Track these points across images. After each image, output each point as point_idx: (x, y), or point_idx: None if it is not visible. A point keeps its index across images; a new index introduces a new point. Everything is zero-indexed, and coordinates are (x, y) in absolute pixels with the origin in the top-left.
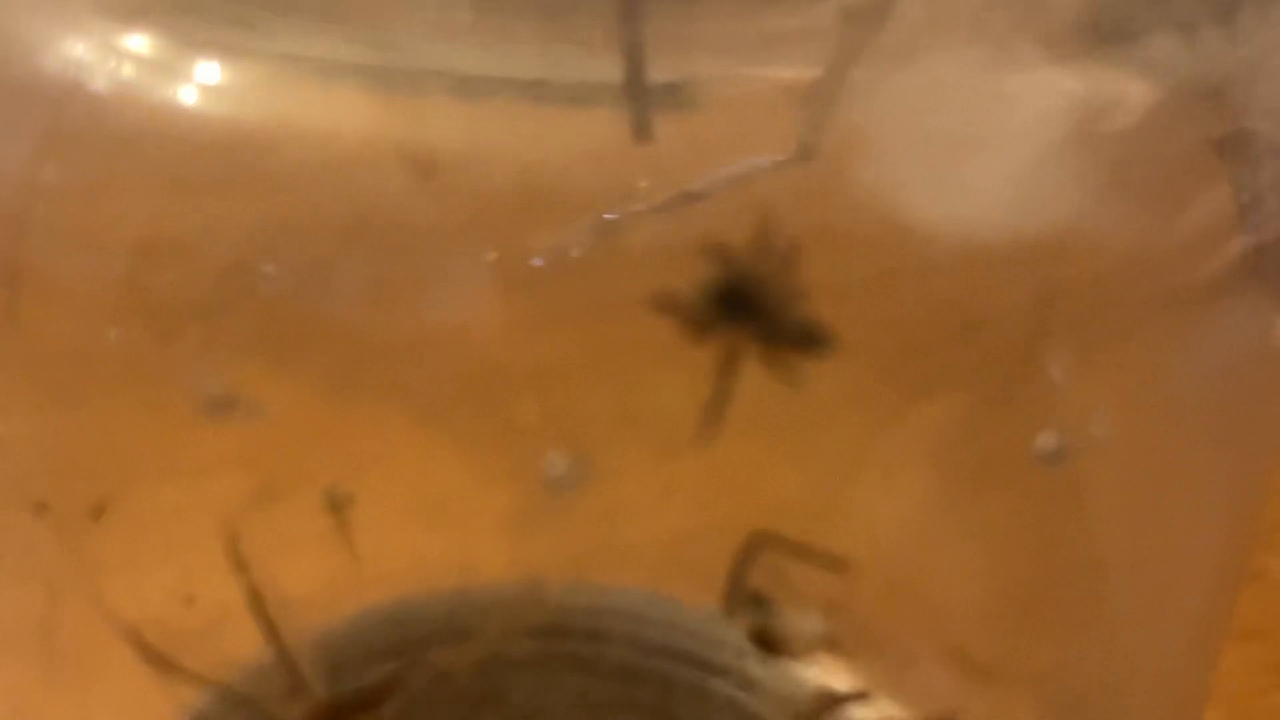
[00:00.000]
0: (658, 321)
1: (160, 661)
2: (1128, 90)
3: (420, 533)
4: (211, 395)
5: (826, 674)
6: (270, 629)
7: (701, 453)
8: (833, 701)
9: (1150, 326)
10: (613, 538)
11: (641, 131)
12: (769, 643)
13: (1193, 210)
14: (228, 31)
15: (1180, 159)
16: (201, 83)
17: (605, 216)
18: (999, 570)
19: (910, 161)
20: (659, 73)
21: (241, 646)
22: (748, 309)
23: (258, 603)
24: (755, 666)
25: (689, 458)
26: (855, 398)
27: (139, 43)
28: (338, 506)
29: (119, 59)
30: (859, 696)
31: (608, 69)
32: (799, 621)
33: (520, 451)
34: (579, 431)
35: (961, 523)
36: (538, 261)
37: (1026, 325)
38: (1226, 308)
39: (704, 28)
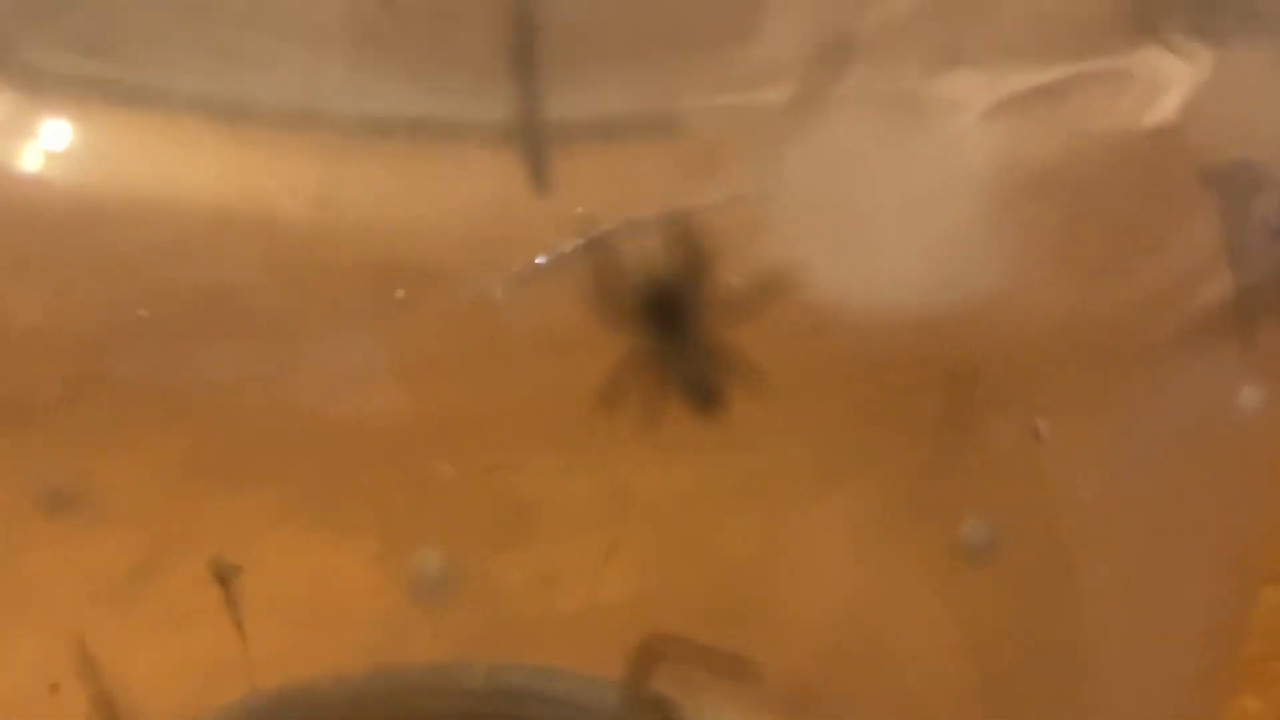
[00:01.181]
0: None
1: None
2: (1058, 138)
3: (304, 621)
4: (56, 488)
5: None
6: None
7: (614, 530)
8: None
9: (1097, 395)
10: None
11: (539, 180)
12: None
13: (1144, 267)
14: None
15: (1127, 211)
16: (47, 148)
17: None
18: (938, 671)
19: (816, 232)
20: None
21: None
22: (667, 321)
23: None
24: None
25: (591, 538)
26: (770, 477)
27: None
28: (224, 579)
29: None
30: None
31: (495, 108)
32: None
33: (395, 541)
34: (454, 523)
35: (890, 617)
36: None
37: (945, 403)
38: (1183, 368)
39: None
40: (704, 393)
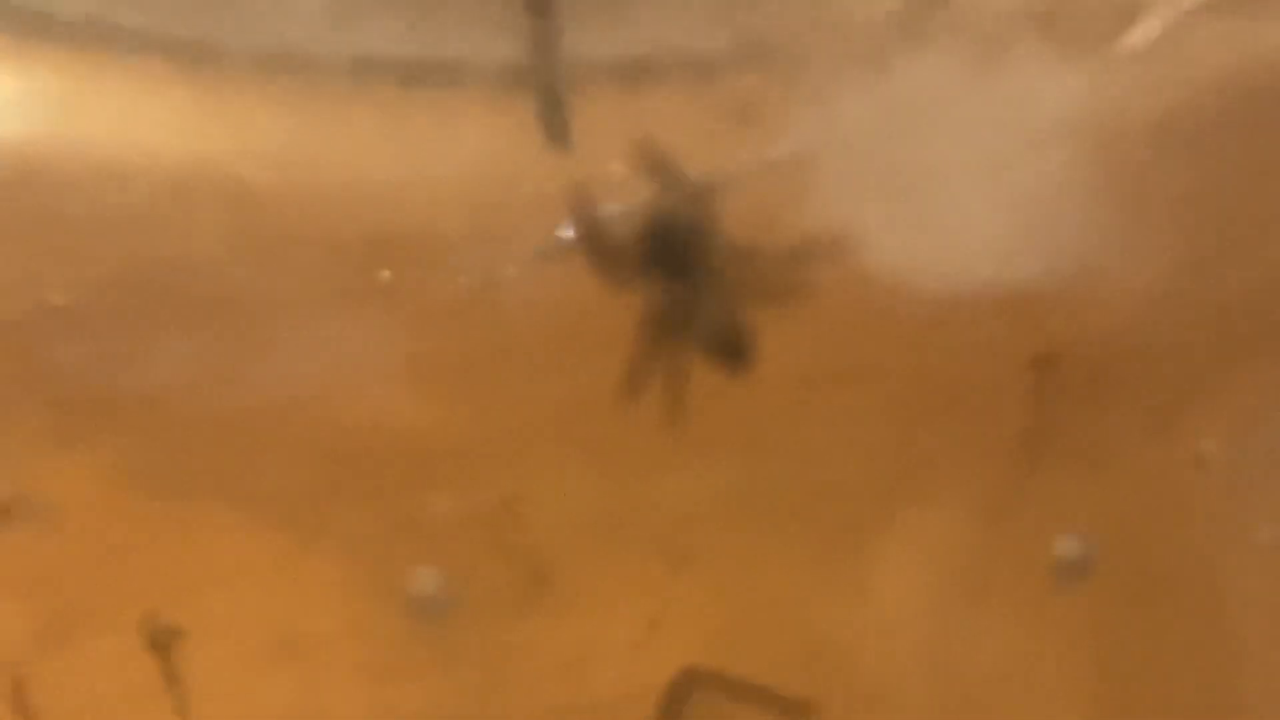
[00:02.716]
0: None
1: None
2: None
3: (263, 676)
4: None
5: None
6: None
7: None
8: None
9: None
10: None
11: (557, 134)
12: None
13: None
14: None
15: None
16: None
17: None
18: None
19: (869, 200)
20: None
21: None
22: (675, 264)
23: None
24: None
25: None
26: (817, 495)
27: None
28: (159, 643)
29: None
30: None
31: (502, 47)
32: None
33: (388, 562)
34: (450, 540)
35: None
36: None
37: (1027, 402)
38: None
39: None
40: (732, 345)
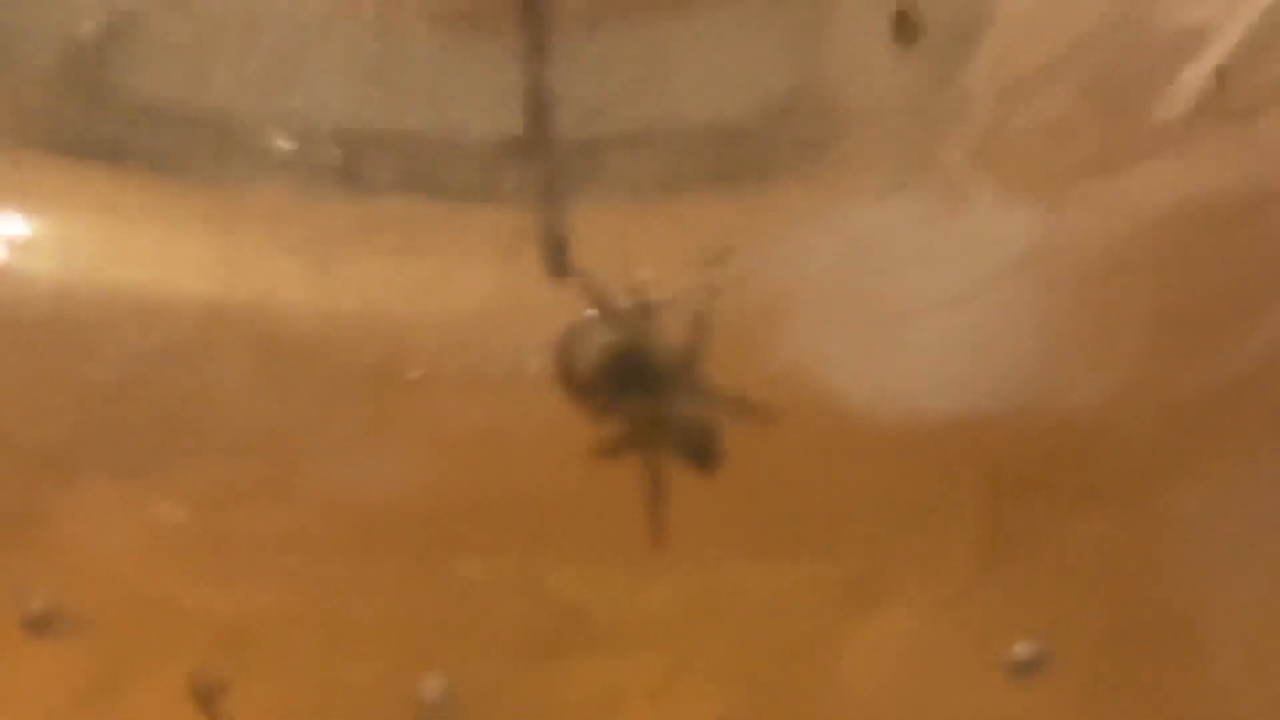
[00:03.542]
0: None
1: None
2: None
3: None
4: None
5: None
6: None
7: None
8: None
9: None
10: None
11: (558, 267)
12: None
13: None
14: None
15: (1189, 297)
16: (18, 236)
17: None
18: None
19: (840, 329)
20: None
21: None
22: (643, 383)
23: None
24: None
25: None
26: (794, 600)
27: None
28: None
29: None
30: None
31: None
32: None
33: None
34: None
35: None
36: None
37: (983, 513)
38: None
39: None
40: (702, 449)
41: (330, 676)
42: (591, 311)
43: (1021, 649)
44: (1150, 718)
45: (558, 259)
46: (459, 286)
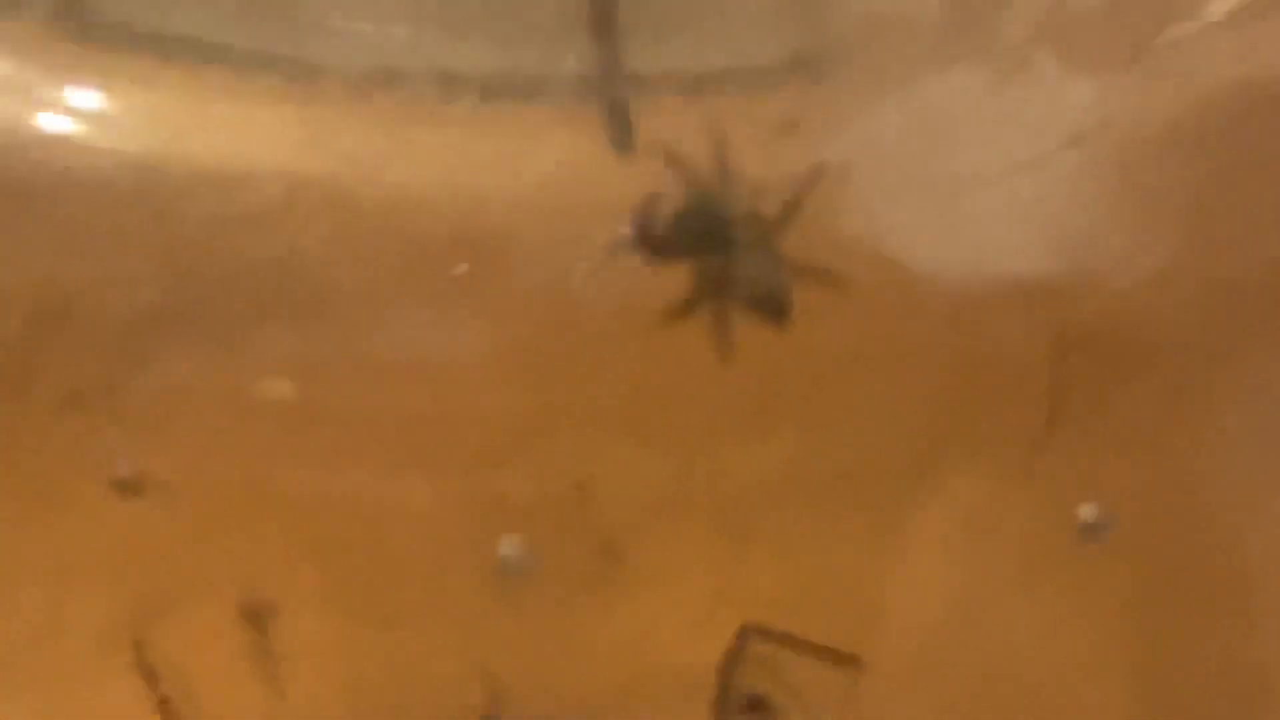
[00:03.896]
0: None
1: None
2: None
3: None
4: (119, 476)
5: None
6: None
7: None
8: None
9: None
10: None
11: (622, 141)
12: None
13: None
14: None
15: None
16: (104, 110)
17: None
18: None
19: (904, 201)
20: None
21: None
22: (713, 239)
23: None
24: None
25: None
26: (865, 468)
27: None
28: (255, 617)
29: None
30: None
31: (570, 66)
32: None
33: (469, 533)
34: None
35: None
36: None
37: (1049, 380)
38: None
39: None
40: (773, 303)
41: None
42: (666, 176)
43: (1087, 511)
44: (1199, 587)
45: (623, 133)
46: (530, 158)
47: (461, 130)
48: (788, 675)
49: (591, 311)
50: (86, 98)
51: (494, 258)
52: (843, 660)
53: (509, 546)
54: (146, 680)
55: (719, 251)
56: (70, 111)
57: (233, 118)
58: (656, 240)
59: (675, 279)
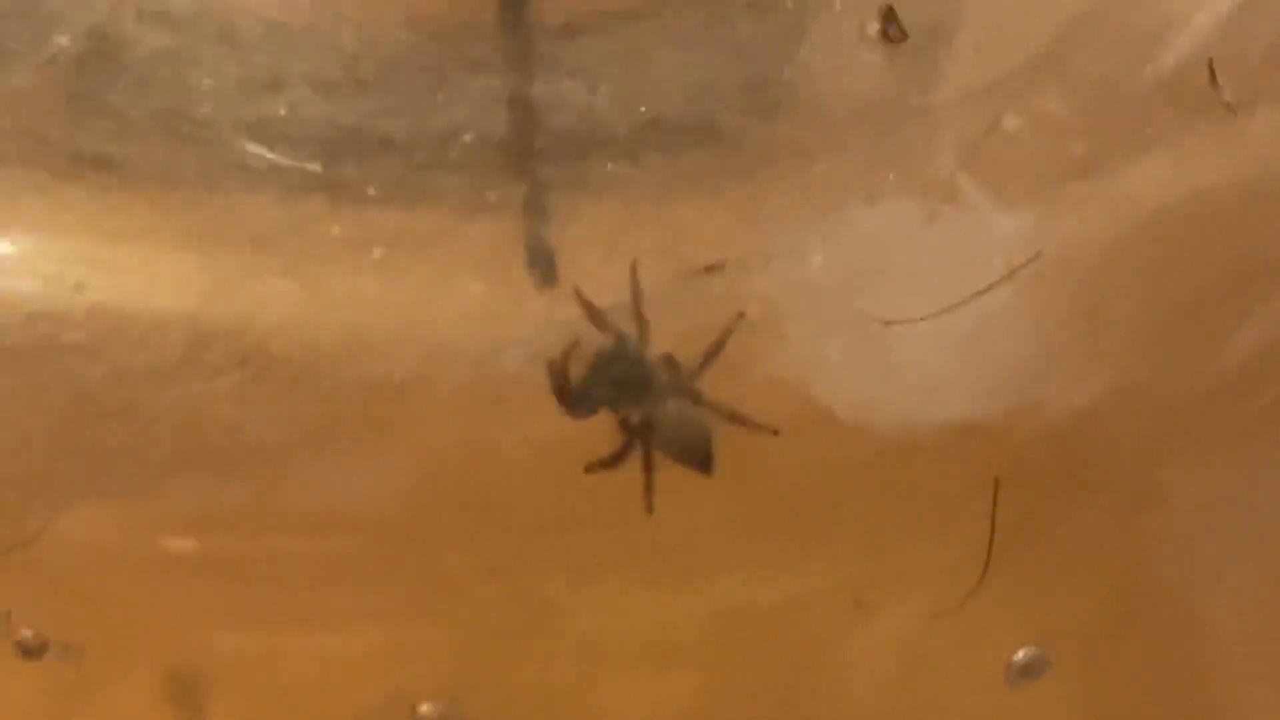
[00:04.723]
0: None
1: None
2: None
3: None
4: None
5: None
6: None
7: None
8: None
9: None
10: None
11: (545, 277)
12: None
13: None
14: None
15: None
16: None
17: None
18: None
19: (832, 342)
20: None
21: None
22: (632, 388)
23: None
24: None
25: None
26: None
27: None
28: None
29: None
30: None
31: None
32: None
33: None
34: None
35: None
36: None
37: (981, 517)
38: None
39: None
40: (696, 454)
41: (327, 706)
42: (583, 321)
43: (1022, 654)
44: (1148, 714)
45: (545, 270)
46: (446, 301)
47: (374, 274)
48: None
49: (512, 458)
50: None
51: (410, 406)
52: None
53: (429, 709)
54: None
55: (639, 400)
56: None
57: (137, 264)
58: (574, 394)
59: (599, 426)
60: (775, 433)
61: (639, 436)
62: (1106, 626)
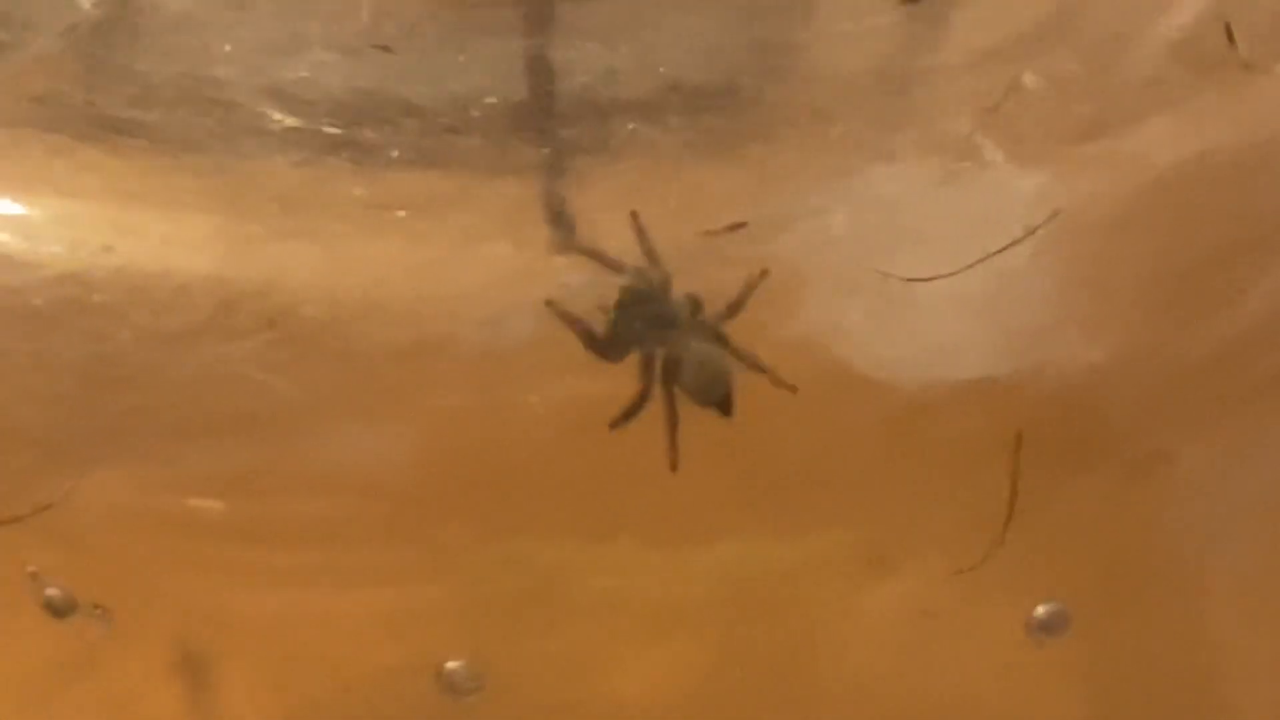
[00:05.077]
0: None
1: None
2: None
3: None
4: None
5: None
6: None
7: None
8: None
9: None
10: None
11: (564, 243)
12: None
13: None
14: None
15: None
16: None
17: None
18: None
19: (853, 301)
20: None
21: None
22: (656, 324)
23: None
24: None
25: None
26: (815, 571)
27: None
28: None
29: None
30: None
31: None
32: None
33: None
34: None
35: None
36: None
37: (998, 476)
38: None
39: None
40: (716, 397)
41: (348, 667)
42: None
43: (1043, 610)
44: (1157, 673)
45: (564, 233)
46: (468, 262)
47: (395, 236)
48: None
49: (533, 417)
50: (6, 205)
51: (431, 367)
52: None
53: (455, 666)
54: None
55: (665, 337)
56: None
57: (161, 227)
58: (605, 338)
59: (619, 380)
60: (794, 389)
61: (662, 379)
62: (1120, 586)
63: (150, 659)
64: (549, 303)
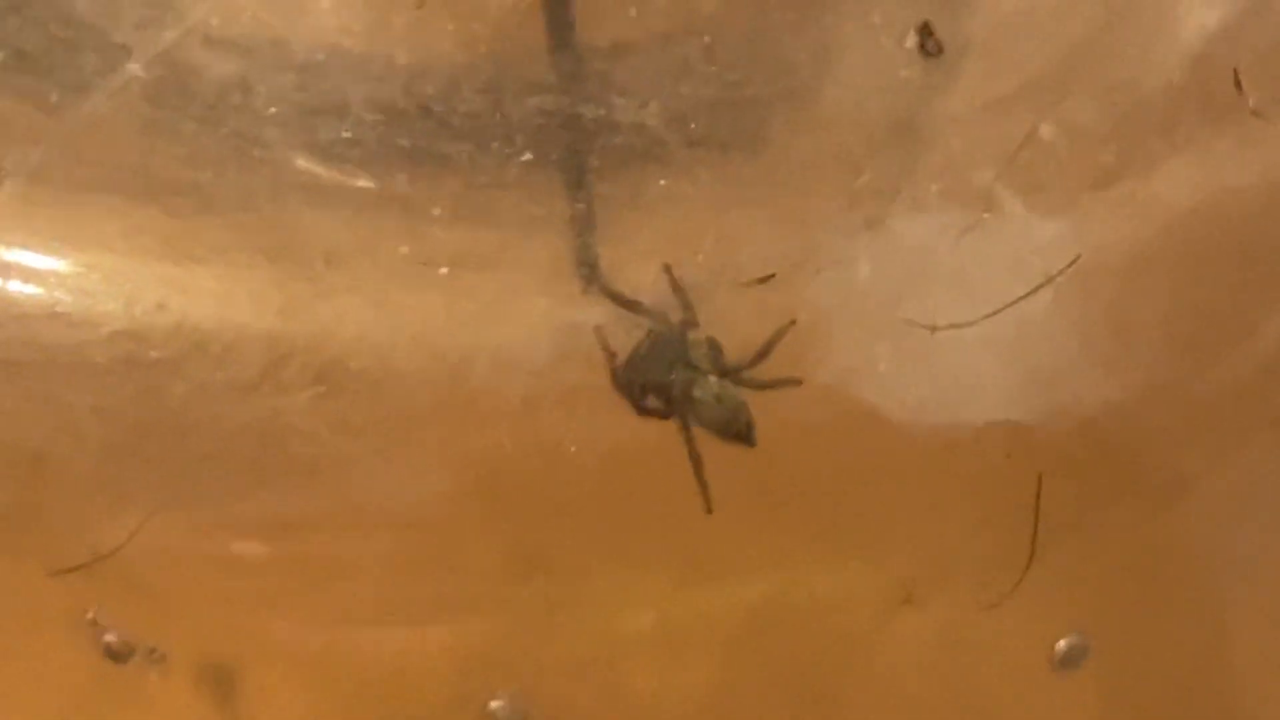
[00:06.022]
0: None
1: None
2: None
3: None
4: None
5: None
6: None
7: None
8: None
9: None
10: None
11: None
12: None
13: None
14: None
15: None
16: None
17: None
18: None
19: (878, 348)
20: None
21: None
22: (674, 368)
23: None
24: None
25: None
26: (842, 604)
27: None
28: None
29: None
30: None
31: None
32: None
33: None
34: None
35: None
36: None
37: (1029, 509)
38: None
39: None
40: (737, 431)
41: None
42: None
43: (1065, 643)
44: (1180, 704)
45: (590, 278)
46: (511, 315)
47: (440, 293)
48: None
49: (572, 462)
50: (63, 265)
51: (474, 415)
52: None
53: (498, 705)
54: None
55: (679, 379)
56: (46, 281)
57: (215, 285)
58: (627, 384)
59: (653, 426)
60: (798, 382)
61: (680, 421)
62: (1144, 618)
63: (201, 697)
64: (597, 329)
